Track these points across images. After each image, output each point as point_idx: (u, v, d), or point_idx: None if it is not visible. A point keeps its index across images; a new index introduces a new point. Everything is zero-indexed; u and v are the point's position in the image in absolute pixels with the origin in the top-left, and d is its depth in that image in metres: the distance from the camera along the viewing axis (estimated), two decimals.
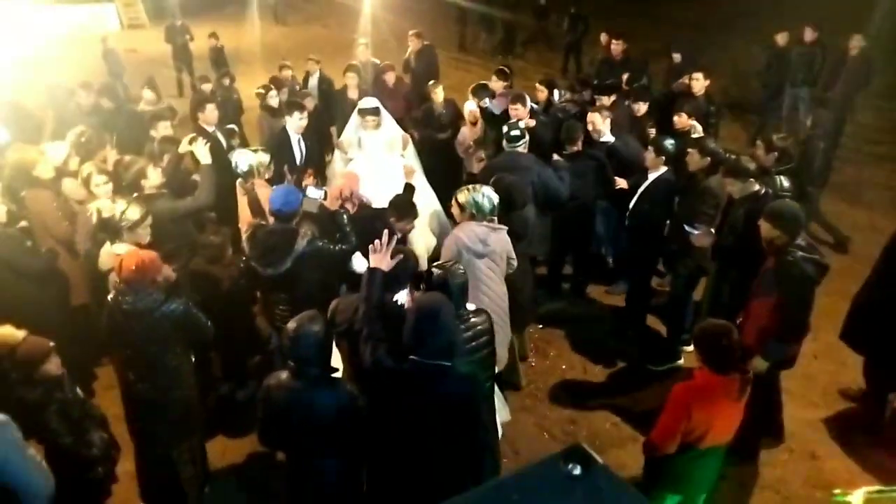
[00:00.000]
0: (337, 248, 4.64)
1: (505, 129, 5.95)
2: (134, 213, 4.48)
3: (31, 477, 3.13)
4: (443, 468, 3.02)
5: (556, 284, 6.83)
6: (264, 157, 5.62)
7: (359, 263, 4.41)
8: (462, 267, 3.80)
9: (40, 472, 3.22)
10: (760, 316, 4.18)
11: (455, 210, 4.80)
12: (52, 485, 3.29)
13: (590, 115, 6.34)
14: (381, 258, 3.42)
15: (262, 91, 8.35)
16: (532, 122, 6.74)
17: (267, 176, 5.63)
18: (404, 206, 4.97)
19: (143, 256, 3.93)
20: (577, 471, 1.56)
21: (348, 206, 5.06)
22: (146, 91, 8.43)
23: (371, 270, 3.41)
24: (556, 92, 7.51)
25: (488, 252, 4.58)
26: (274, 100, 8.20)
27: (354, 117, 6.97)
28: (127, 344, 4.03)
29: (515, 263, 4.84)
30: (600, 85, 7.72)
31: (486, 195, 4.63)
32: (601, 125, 6.30)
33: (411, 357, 2.98)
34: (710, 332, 3.40)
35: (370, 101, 6.73)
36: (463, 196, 4.67)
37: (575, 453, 1.59)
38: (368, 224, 4.91)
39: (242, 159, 5.46)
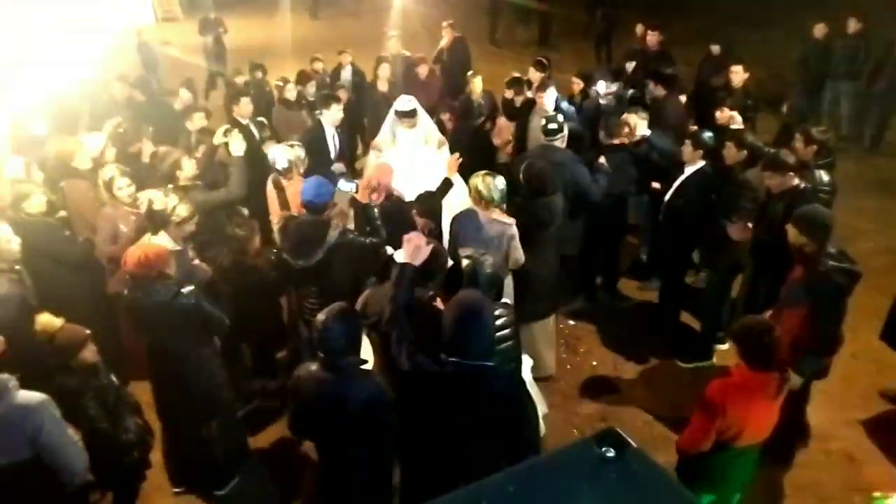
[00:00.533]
0: (367, 240, 4.68)
1: (543, 121, 5.93)
2: (184, 210, 4.59)
3: (70, 454, 3.22)
4: (486, 467, 3.00)
5: (589, 280, 6.78)
6: (300, 152, 5.66)
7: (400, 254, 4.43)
8: (491, 258, 3.78)
9: (77, 451, 3.30)
10: (791, 327, 4.05)
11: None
12: (87, 464, 3.38)
13: (626, 115, 6.22)
14: (413, 252, 3.33)
15: (280, 84, 8.41)
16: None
17: (302, 170, 5.67)
18: (429, 206, 4.96)
19: (146, 251, 3.98)
20: (611, 453, 1.56)
21: (374, 196, 5.08)
22: (183, 91, 8.44)
23: (402, 267, 3.32)
24: (601, 84, 7.37)
25: (483, 240, 4.68)
26: (291, 92, 8.25)
27: (391, 117, 6.95)
28: (146, 334, 4.16)
29: (521, 261, 4.87)
30: (657, 73, 7.51)
31: (489, 185, 4.73)
32: (637, 125, 6.17)
33: (452, 359, 2.89)
34: (753, 329, 3.33)
35: (407, 104, 6.68)
36: (472, 181, 4.84)
37: (608, 436, 1.60)
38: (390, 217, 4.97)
39: (280, 155, 5.49)
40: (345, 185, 5.11)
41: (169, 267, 4.10)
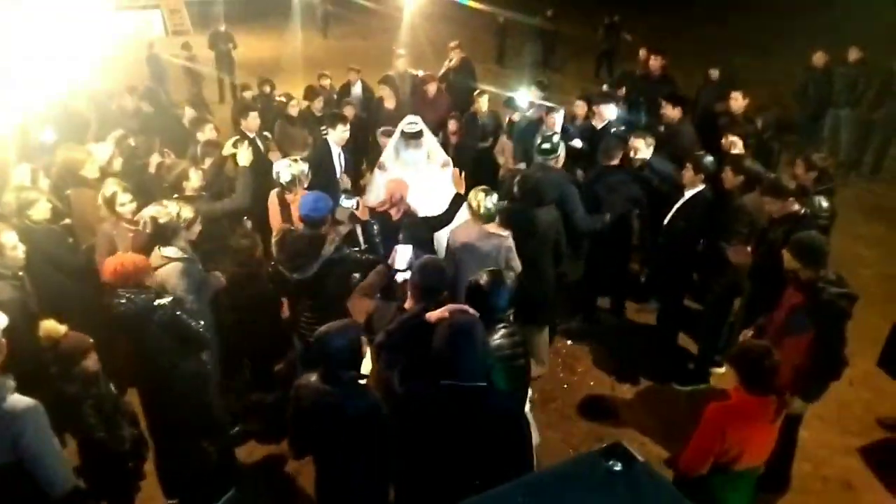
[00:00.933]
0: (364, 257, 4.66)
1: (538, 140, 5.97)
2: (187, 212, 4.56)
3: (50, 465, 3.16)
4: (482, 484, 2.96)
5: (589, 300, 6.73)
6: (304, 167, 5.67)
7: (400, 260, 4.42)
8: (513, 274, 3.76)
9: (59, 464, 3.23)
10: (794, 354, 4.01)
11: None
12: (70, 478, 3.32)
13: (633, 140, 6.20)
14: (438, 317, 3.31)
15: (283, 100, 8.45)
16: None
17: (306, 185, 5.68)
18: (417, 234, 4.97)
19: (123, 261, 3.94)
20: (619, 467, 1.55)
21: (393, 211, 5.09)
22: (188, 109, 8.44)
23: (418, 318, 3.33)
24: (611, 108, 7.36)
25: (481, 254, 4.77)
26: (294, 109, 8.32)
27: (396, 136, 6.97)
28: (128, 344, 4.10)
29: (518, 270, 4.89)
30: (672, 95, 7.47)
31: (480, 202, 4.83)
32: (644, 151, 6.13)
33: (446, 382, 2.86)
34: (752, 353, 3.31)
35: (413, 125, 6.70)
36: (470, 195, 4.94)
37: (615, 450, 1.59)
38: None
39: (284, 170, 5.52)
40: (346, 202, 5.11)
41: (148, 278, 4.03)
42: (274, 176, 5.59)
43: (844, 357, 4.11)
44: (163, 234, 4.43)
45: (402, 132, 6.72)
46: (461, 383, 2.84)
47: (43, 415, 3.17)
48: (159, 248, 4.43)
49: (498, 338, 3.49)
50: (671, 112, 7.13)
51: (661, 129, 7.28)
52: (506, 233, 4.88)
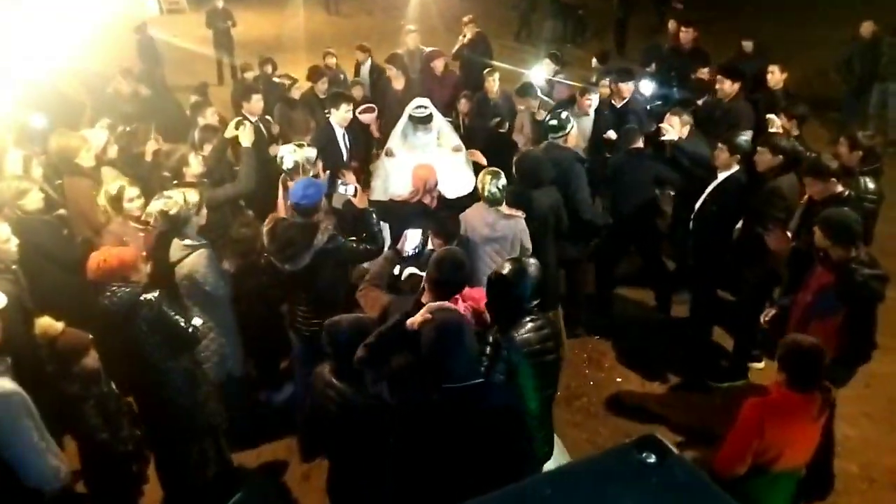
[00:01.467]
0: (361, 247, 4.64)
1: (546, 117, 5.95)
2: (193, 195, 4.55)
3: (24, 456, 3.18)
4: (485, 481, 2.96)
5: (603, 291, 6.65)
6: (310, 153, 5.67)
7: (410, 245, 4.42)
8: (536, 262, 3.72)
9: (37, 457, 3.24)
10: (822, 337, 3.88)
11: None
12: (57, 477, 3.35)
13: (668, 117, 6.12)
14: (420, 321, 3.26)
15: (284, 81, 8.46)
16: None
17: (313, 172, 5.67)
18: (445, 226, 4.96)
19: (107, 256, 3.93)
20: (652, 459, 1.56)
21: (427, 199, 5.11)
22: (193, 97, 8.40)
23: (399, 328, 3.28)
24: (644, 83, 7.25)
25: (496, 237, 4.87)
26: (296, 92, 8.34)
27: (403, 119, 6.95)
28: (115, 343, 4.09)
29: (530, 250, 4.95)
30: (727, 68, 7.28)
31: (485, 184, 4.94)
32: (676, 130, 6.03)
33: (443, 386, 2.87)
34: (802, 350, 3.28)
35: (422, 110, 6.67)
36: (478, 178, 5.05)
37: (648, 443, 1.60)
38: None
39: (288, 156, 5.53)
40: (342, 188, 5.11)
41: (135, 273, 3.99)
42: (277, 161, 5.61)
43: (874, 340, 4.09)
44: (176, 225, 4.44)
45: (410, 116, 6.70)
46: (456, 385, 2.85)
47: (17, 404, 3.20)
48: (178, 239, 4.45)
49: (525, 332, 3.39)
50: (728, 87, 6.89)
51: (700, 103, 7.23)
52: (520, 213, 4.96)
